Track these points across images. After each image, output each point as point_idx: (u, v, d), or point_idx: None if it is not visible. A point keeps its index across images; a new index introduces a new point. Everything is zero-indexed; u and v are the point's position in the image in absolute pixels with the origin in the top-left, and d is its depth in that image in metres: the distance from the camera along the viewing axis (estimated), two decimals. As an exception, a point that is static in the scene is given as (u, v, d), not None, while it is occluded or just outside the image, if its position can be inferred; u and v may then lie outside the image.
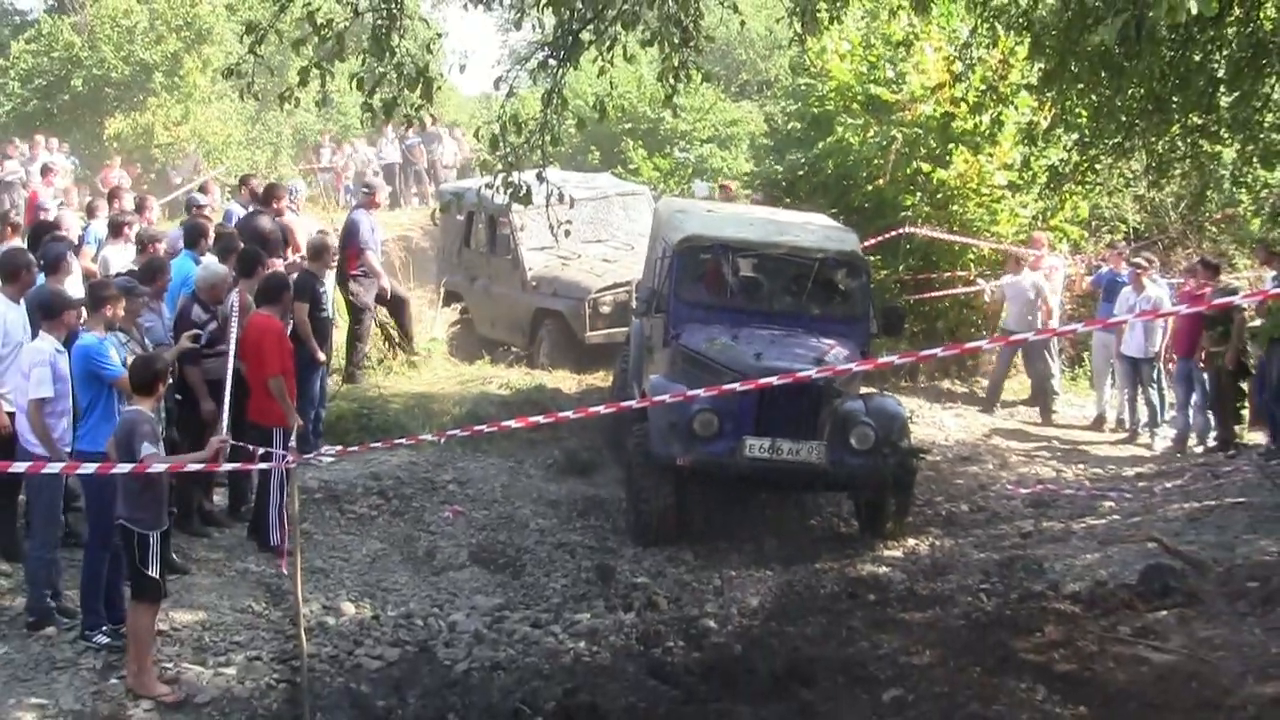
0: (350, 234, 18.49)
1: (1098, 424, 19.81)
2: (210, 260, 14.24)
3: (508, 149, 11.81)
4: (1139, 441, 18.84)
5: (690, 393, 12.13)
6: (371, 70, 11.11)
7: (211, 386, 12.78)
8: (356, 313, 18.76)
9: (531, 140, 11.96)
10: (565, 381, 19.73)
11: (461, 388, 19.03)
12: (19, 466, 10.15)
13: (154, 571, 10.07)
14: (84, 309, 11.29)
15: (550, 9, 11.78)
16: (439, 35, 15.02)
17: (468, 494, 15.49)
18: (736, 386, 11.44)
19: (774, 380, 11.41)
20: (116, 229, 16.42)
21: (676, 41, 12.25)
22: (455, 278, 23.71)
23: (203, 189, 20.80)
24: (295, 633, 10.68)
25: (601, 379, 19.97)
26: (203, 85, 35.92)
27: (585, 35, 11.84)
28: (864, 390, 15.25)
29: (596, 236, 21.78)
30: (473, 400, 18.20)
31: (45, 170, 26.13)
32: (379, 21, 10.71)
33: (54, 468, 10.18)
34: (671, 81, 12.76)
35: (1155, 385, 18.73)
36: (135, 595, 10.18)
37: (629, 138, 30.72)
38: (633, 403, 12.62)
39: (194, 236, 15.20)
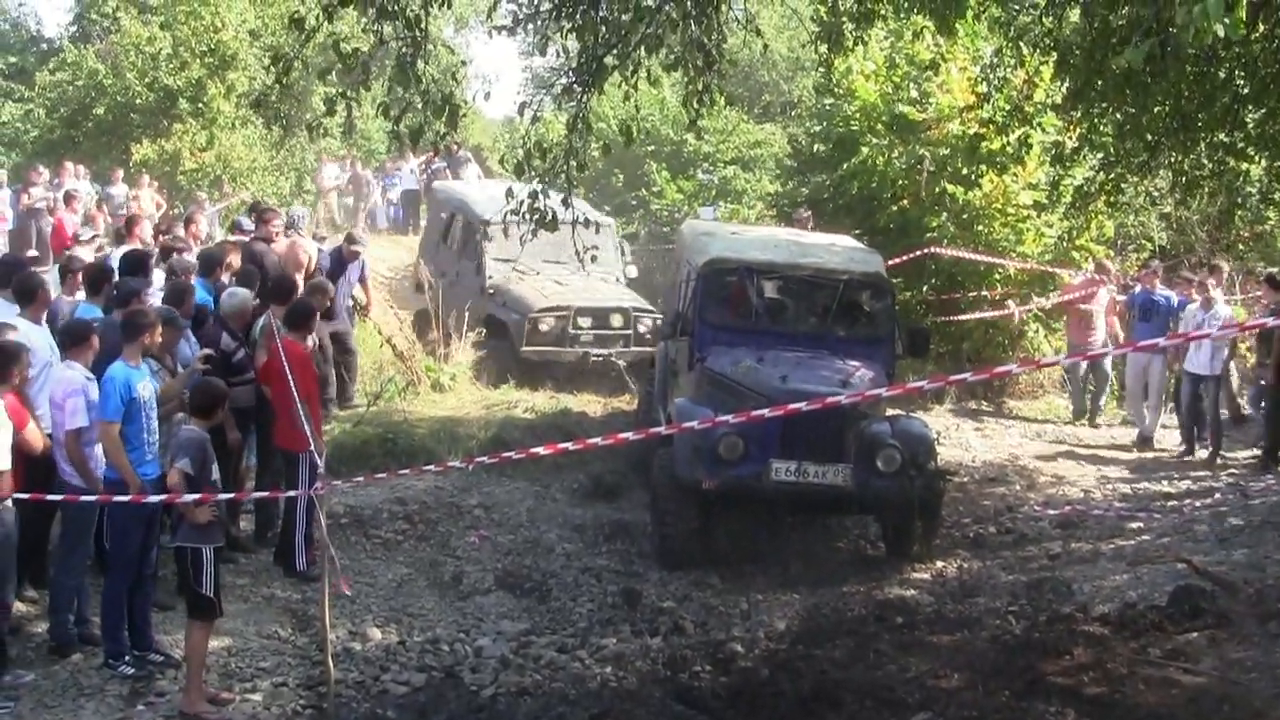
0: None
1: (1143, 444, 19.64)
2: (235, 288, 14.29)
3: (533, 174, 11.81)
4: (1196, 458, 18.71)
5: (718, 419, 12.09)
6: (397, 98, 11.12)
7: (239, 415, 12.79)
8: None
9: (556, 166, 11.95)
10: (590, 405, 19.73)
11: (487, 412, 19.02)
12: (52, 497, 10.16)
13: (207, 590, 10.12)
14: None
15: (574, 35, 11.79)
16: (464, 63, 15.08)
17: (493, 519, 15.48)
18: (765, 413, 11.38)
19: (802, 406, 11.36)
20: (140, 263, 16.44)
21: (700, 65, 12.24)
22: (428, 268, 24.46)
23: (189, 220, 20.70)
24: (321, 658, 10.63)
25: (626, 402, 19.96)
26: (227, 111, 35.96)
27: (609, 60, 11.84)
28: (890, 412, 15.22)
29: (557, 257, 22.24)
30: (498, 424, 18.18)
31: (69, 197, 26.19)
32: (404, 49, 10.70)
33: (88, 497, 10.22)
34: (696, 106, 12.76)
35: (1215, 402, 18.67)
36: (190, 614, 10.24)
37: (653, 160, 30.74)
38: (661, 429, 12.59)
39: (209, 265, 15.22)
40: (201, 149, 34.92)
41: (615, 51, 11.85)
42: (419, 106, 11.04)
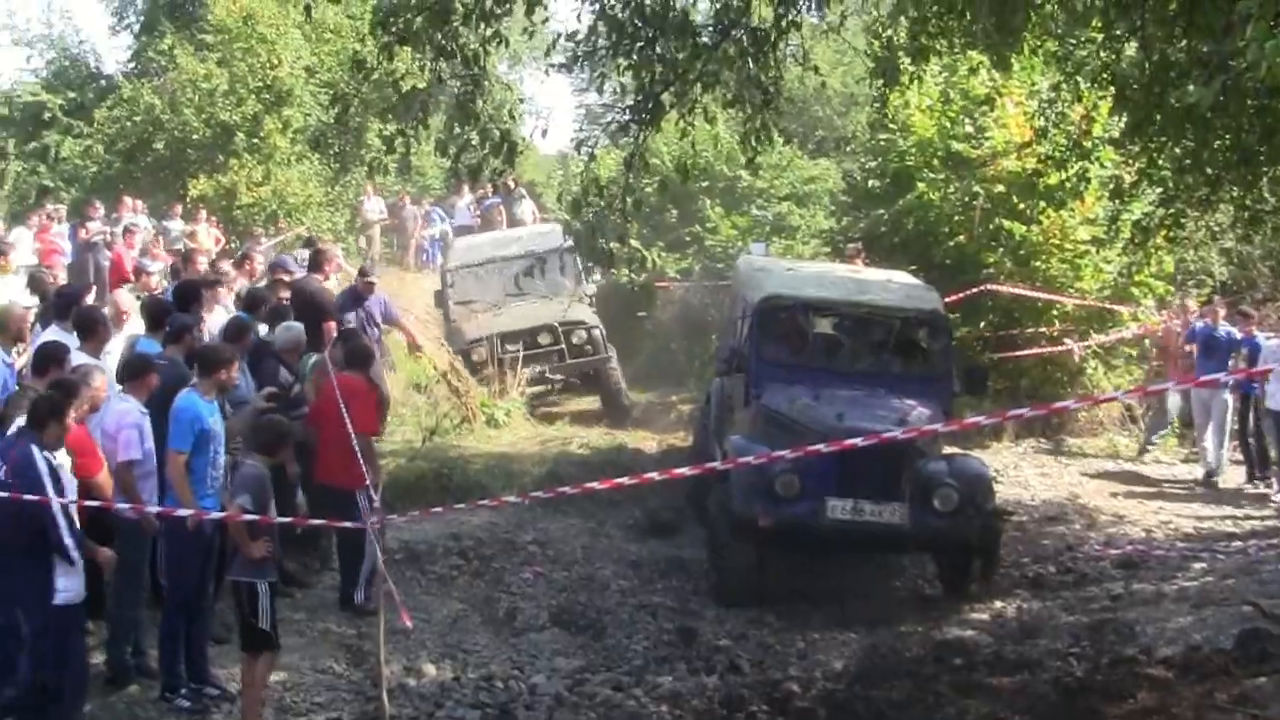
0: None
1: (1207, 482, 19.43)
2: (289, 322, 14.35)
3: (589, 213, 11.78)
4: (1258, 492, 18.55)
5: (774, 454, 12.02)
6: (455, 135, 11.13)
7: (296, 449, 12.79)
8: None
9: (613, 204, 11.93)
10: (645, 441, 19.69)
11: (542, 448, 19.06)
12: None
13: (264, 624, 10.13)
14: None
15: (631, 72, 11.77)
16: (521, 100, 15.16)
17: (548, 555, 15.43)
18: (821, 448, 11.30)
19: (858, 442, 11.25)
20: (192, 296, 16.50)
21: (758, 103, 12.18)
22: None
23: (245, 257, 20.73)
24: (376, 694, 10.59)
25: (681, 439, 19.91)
26: (283, 146, 36.17)
27: (666, 98, 11.81)
28: (947, 450, 15.10)
29: (521, 290, 23.93)
30: (553, 460, 18.20)
31: (128, 231, 26.32)
32: (462, 87, 10.72)
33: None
34: (754, 143, 12.72)
35: None
36: (246, 647, 10.29)
37: (706, 196, 30.67)
38: (717, 464, 12.54)
39: (252, 302, 15.24)
40: (258, 184, 35.11)
41: (672, 89, 11.81)
42: (476, 144, 11.04)
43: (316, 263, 18.06)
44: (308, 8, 24.63)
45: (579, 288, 24.57)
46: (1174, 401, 20.71)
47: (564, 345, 23.15)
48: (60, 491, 9.29)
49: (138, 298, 15.44)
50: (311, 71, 37.86)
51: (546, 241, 24.04)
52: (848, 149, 35.24)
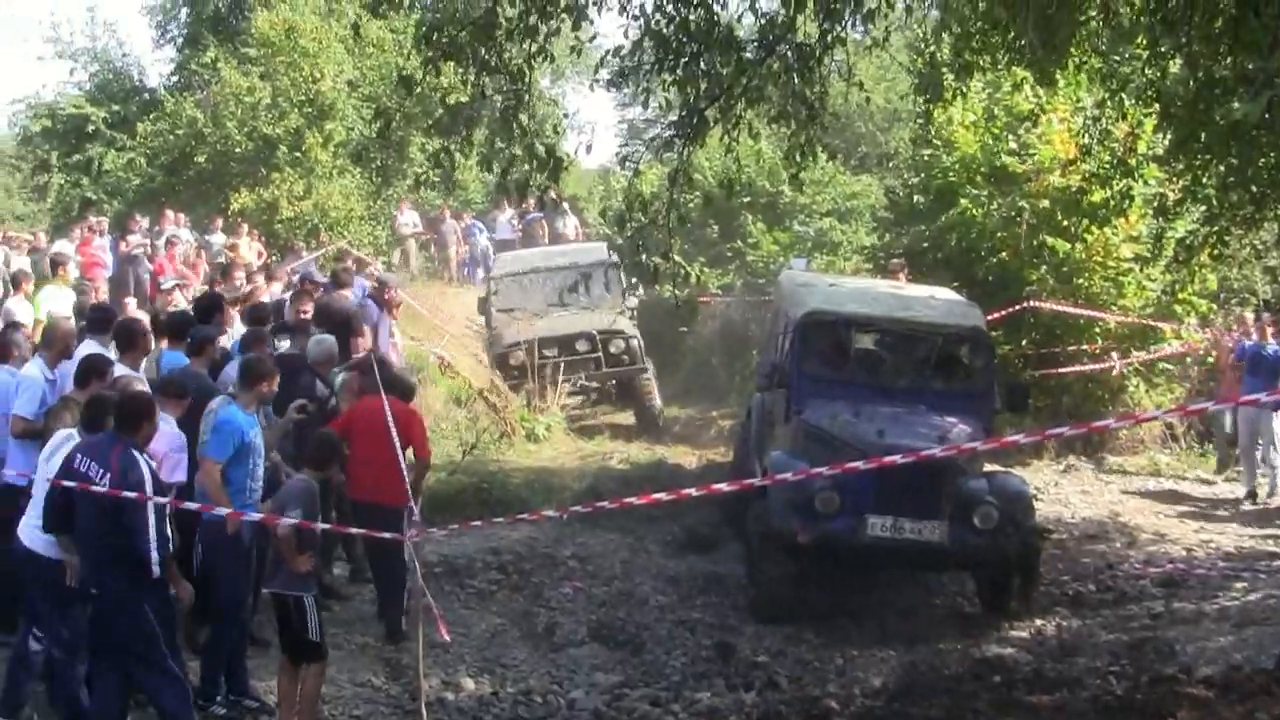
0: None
1: (1251, 500, 19.30)
2: (321, 335, 14.41)
3: (633, 228, 11.80)
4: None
5: (813, 470, 12.01)
6: (498, 150, 11.18)
7: None
8: None
9: (657, 219, 11.95)
10: (685, 456, 19.68)
11: (581, 463, 19.08)
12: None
13: (314, 636, 10.19)
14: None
15: (675, 88, 11.78)
16: (566, 116, 15.20)
17: (587, 570, 15.45)
18: (860, 465, 11.27)
19: (898, 459, 11.21)
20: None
21: (803, 119, 12.19)
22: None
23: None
24: (415, 708, 10.63)
25: (721, 454, 19.89)
26: (324, 160, 36.28)
27: (710, 113, 11.82)
28: (987, 468, 15.04)
29: (564, 301, 24.55)
30: (593, 475, 18.23)
31: (169, 244, 26.48)
32: (507, 102, 10.76)
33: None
34: (798, 159, 12.72)
35: None
36: (296, 659, 10.35)
37: (749, 211, 30.65)
38: (756, 481, 12.53)
39: (256, 317, 15.24)
40: (299, 198, 35.24)
41: (717, 104, 11.82)
42: (523, 159, 11.07)
43: (340, 280, 18.07)
44: (355, 25, 24.74)
45: (621, 301, 24.69)
46: (1227, 419, 20.59)
47: (601, 354, 23.37)
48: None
49: (154, 314, 15.60)
50: (354, 85, 38.02)
51: (591, 256, 24.20)
52: (890, 165, 35.22)
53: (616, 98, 50.53)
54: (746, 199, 30.78)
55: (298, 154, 35.73)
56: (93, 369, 11.02)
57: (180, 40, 43.47)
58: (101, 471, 9.33)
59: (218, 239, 31.20)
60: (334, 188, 35.72)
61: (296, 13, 37.38)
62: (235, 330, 15.31)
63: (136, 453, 9.38)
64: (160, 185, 37.49)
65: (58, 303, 17.63)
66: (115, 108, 41.16)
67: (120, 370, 11.37)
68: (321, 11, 37.73)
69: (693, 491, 11.70)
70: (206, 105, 37.32)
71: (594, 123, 70.36)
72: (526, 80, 11.09)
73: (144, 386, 10.90)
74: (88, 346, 12.42)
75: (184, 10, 43.15)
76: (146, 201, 35.83)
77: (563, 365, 22.92)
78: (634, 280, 23.80)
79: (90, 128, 40.41)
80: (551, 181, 11.12)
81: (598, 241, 29.22)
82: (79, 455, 9.53)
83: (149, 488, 9.26)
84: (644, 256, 11.88)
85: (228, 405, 11.00)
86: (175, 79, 42.63)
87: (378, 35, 37.50)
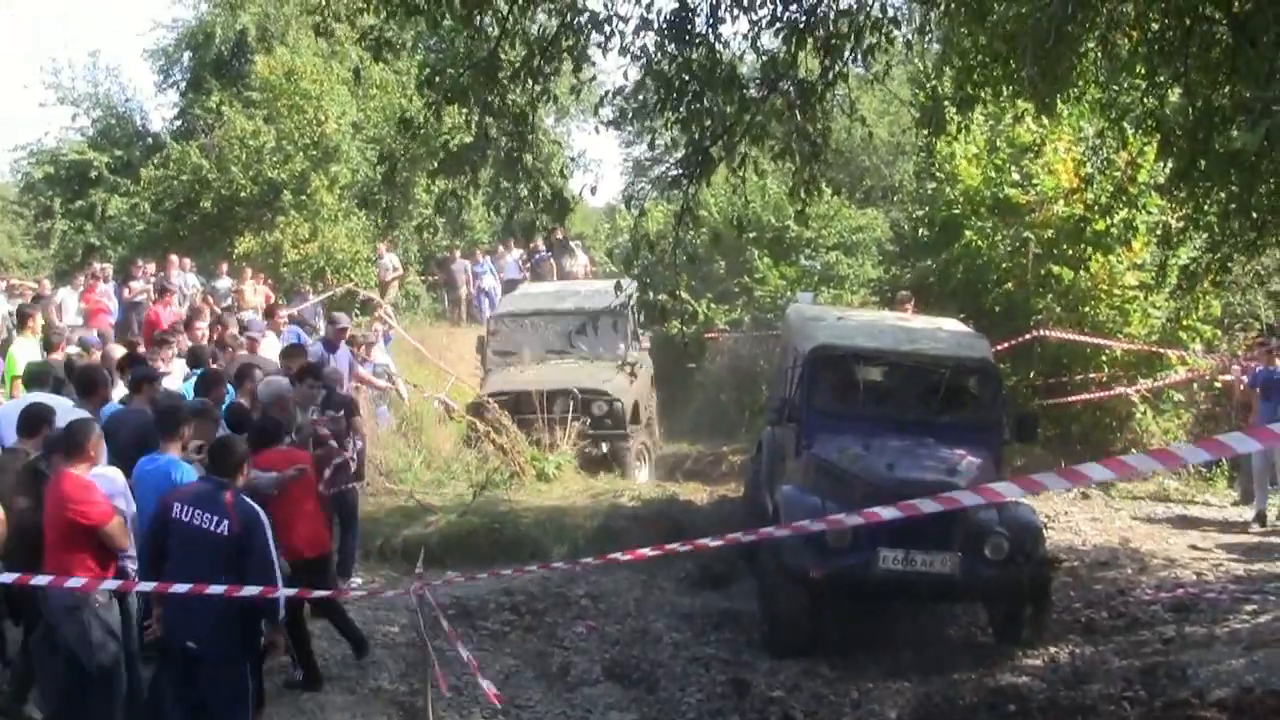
0: None
1: (1260, 523, 19.29)
2: (271, 377, 14.51)
3: (640, 267, 11.89)
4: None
5: (835, 517, 12.05)
6: (504, 191, 11.27)
7: None
8: None
9: (665, 258, 12.04)
10: (697, 493, 19.70)
11: (593, 501, 19.05)
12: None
13: None
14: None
15: (679, 126, 11.88)
16: (573, 159, 15.31)
17: (600, 608, 15.45)
18: (881, 513, 11.31)
19: (928, 504, 11.23)
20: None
21: (806, 155, 12.28)
22: None
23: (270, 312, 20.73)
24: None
25: (732, 489, 19.91)
26: (329, 203, 36.41)
27: (715, 151, 11.91)
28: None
29: (567, 347, 23.56)
30: (604, 514, 18.20)
31: (163, 291, 26.57)
32: (511, 144, 10.85)
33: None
34: (803, 195, 12.81)
35: None
36: None
37: (754, 246, 30.72)
38: (774, 531, 12.55)
39: (195, 359, 15.29)
40: (304, 241, 35.35)
41: (721, 143, 11.91)
42: (527, 201, 11.16)
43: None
44: (356, 70, 24.84)
45: (626, 352, 24.05)
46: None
47: (580, 414, 22.20)
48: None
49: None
50: (358, 127, 38.16)
51: (598, 300, 23.89)
52: (895, 198, 35.31)
53: (621, 136, 50.58)
54: (752, 234, 30.83)
55: (303, 197, 35.86)
56: (37, 418, 11.05)
57: (183, 84, 43.67)
58: (216, 519, 9.45)
59: (224, 284, 31.33)
60: (339, 230, 35.83)
61: (298, 55, 37.58)
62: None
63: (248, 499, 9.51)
64: (164, 230, 37.73)
65: (27, 356, 17.45)
66: (118, 153, 41.45)
67: (79, 413, 11.45)
68: (324, 54, 37.84)
69: (710, 542, 11.76)
70: (211, 149, 37.49)
71: (599, 161, 70.22)
72: (530, 122, 11.19)
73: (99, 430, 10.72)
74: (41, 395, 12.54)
75: (186, 54, 43.34)
76: (150, 247, 36.03)
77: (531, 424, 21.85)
78: (641, 324, 23.44)
79: (93, 173, 40.70)
80: (557, 222, 11.20)
81: (606, 281, 29.13)
82: (179, 506, 9.56)
83: (270, 538, 9.48)
84: (651, 295, 11.95)
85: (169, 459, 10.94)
86: (178, 123, 42.88)
87: (380, 77, 37.70)
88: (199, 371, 15.14)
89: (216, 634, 9.39)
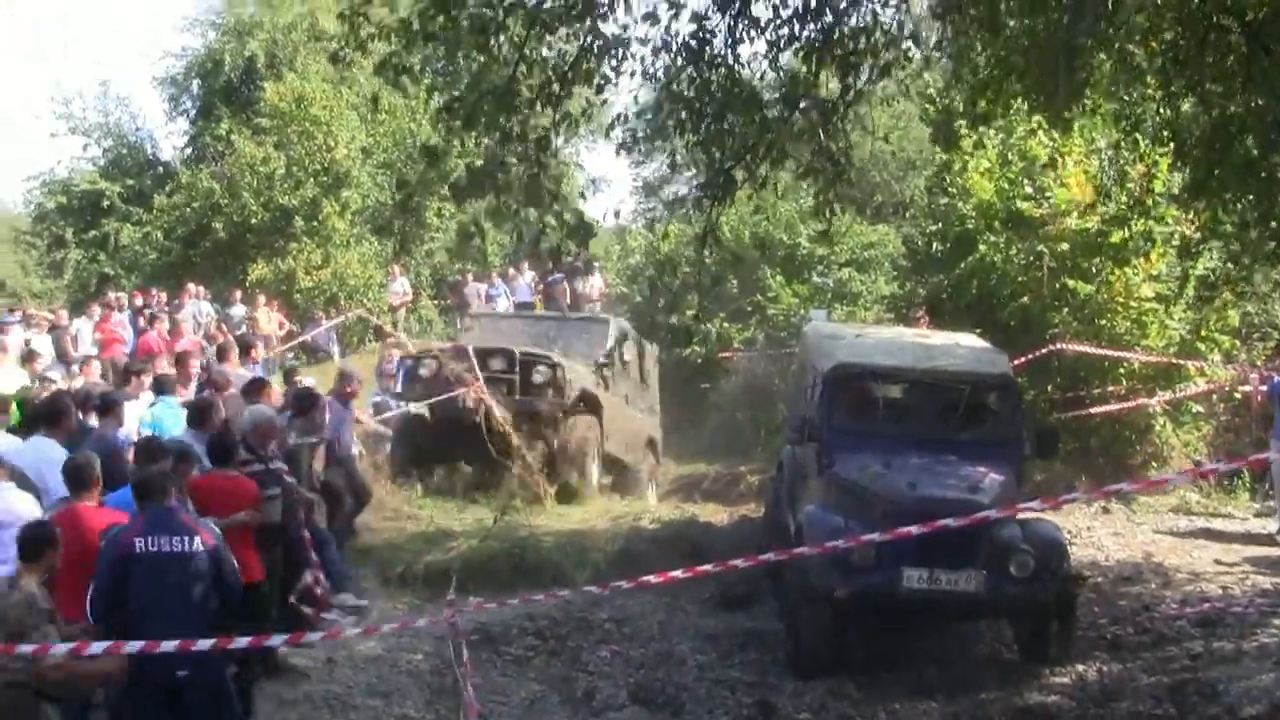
0: None
1: None
2: (257, 405, 14.43)
3: (665, 290, 11.93)
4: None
5: (862, 537, 12.03)
6: (520, 217, 11.25)
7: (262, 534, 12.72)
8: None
9: (689, 280, 12.06)
10: (716, 514, 19.65)
11: (613, 524, 19.01)
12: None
13: None
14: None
15: (700, 148, 11.88)
16: (593, 182, 15.30)
17: (624, 632, 15.37)
18: (913, 530, 11.30)
19: (951, 523, 11.20)
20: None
21: (830, 175, 12.26)
22: None
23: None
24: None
25: (752, 509, 19.86)
26: (341, 229, 36.46)
27: (738, 173, 11.90)
28: (1021, 514, 15.01)
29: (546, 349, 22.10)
30: (624, 537, 18.16)
31: (153, 320, 26.57)
32: (530, 170, 10.84)
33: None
34: (827, 215, 12.81)
35: None
36: None
37: (767, 265, 30.69)
38: (805, 550, 12.50)
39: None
40: (317, 267, 35.38)
41: (743, 164, 11.90)
42: (552, 227, 11.15)
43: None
44: (374, 97, 24.86)
45: (609, 359, 22.49)
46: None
47: (516, 377, 20.94)
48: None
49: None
50: (368, 152, 38.22)
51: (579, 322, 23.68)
52: (907, 214, 35.27)
53: (633, 156, 50.46)
54: (764, 252, 30.86)
55: (314, 223, 35.90)
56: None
57: (193, 112, 43.81)
58: (187, 539, 9.51)
59: (238, 311, 31.34)
60: (352, 255, 35.85)
61: (307, 81, 37.67)
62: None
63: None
64: (178, 259, 37.81)
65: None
66: (130, 182, 41.62)
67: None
68: (333, 79, 37.95)
69: (739, 563, 11.68)
70: (222, 176, 37.57)
71: (609, 181, 70.04)
72: (552, 148, 11.19)
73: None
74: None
75: (196, 82, 43.44)
76: (164, 275, 36.15)
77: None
78: (653, 342, 23.21)
79: (105, 203, 40.79)
80: (582, 246, 11.20)
81: (618, 300, 29.10)
82: (141, 540, 9.49)
83: None
84: (675, 319, 11.96)
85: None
86: (189, 151, 43.01)
87: (389, 101, 37.73)
88: (163, 398, 15.45)
89: (206, 661, 9.34)
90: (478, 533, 18.05)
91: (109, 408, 13.73)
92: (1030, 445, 15.56)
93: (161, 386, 15.89)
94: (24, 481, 11.03)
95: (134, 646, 8.80)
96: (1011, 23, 12.99)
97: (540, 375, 20.98)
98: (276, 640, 10.38)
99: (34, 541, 8.93)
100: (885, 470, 14.26)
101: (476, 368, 20.86)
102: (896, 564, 13.43)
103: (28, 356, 20.03)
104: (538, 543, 17.67)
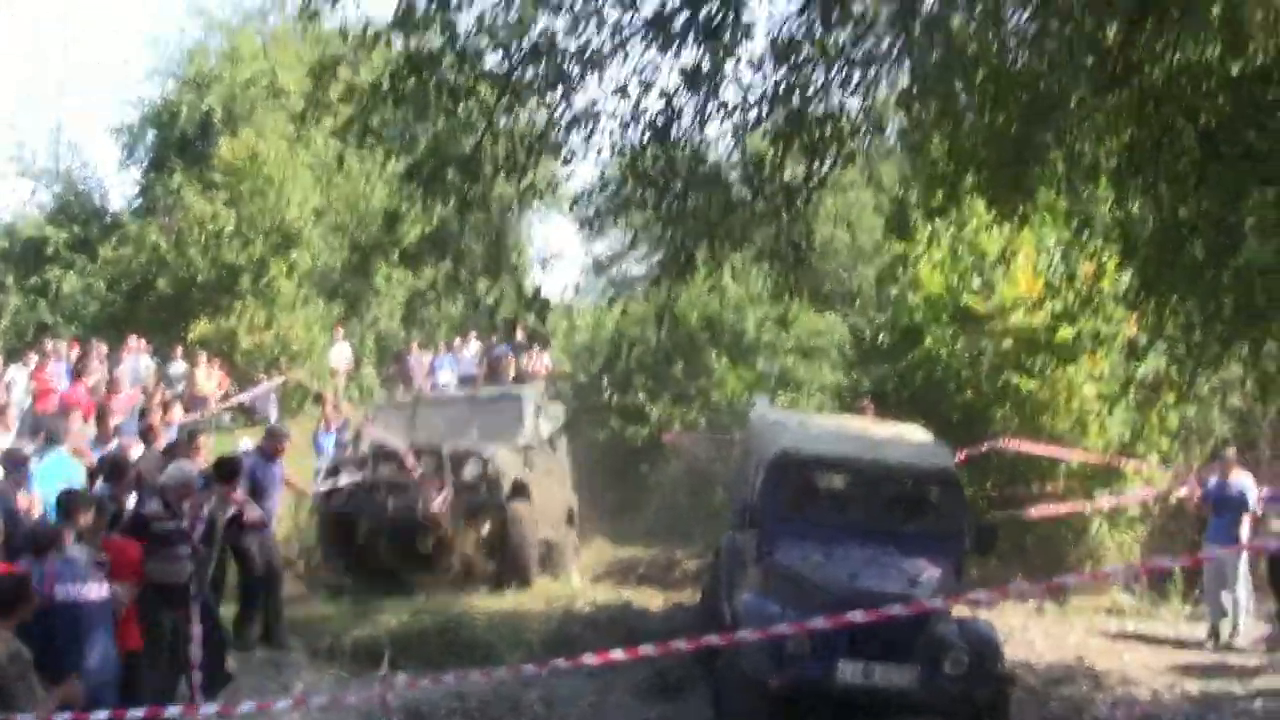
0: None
1: (1214, 639, 19.15)
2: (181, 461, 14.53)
3: (614, 370, 11.93)
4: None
5: (801, 624, 11.94)
6: (485, 287, 11.32)
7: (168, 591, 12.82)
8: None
9: (642, 359, 12.07)
10: (652, 599, 19.52)
11: (546, 606, 18.85)
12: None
13: None
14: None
15: (661, 226, 11.86)
16: (555, 256, 15.34)
17: (556, 715, 15.16)
18: (858, 615, 11.22)
19: (898, 610, 11.12)
20: None
21: (790, 260, 12.28)
22: None
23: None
24: None
25: (688, 596, 19.73)
26: (287, 290, 36.25)
27: (699, 253, 11.90)
28: (956, 612, 14.95)
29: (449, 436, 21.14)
30: (558, 619, 18.00)
31: (77, 375, 26.42)
32: (489, 239, 10.86)
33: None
34: (787, 299, 12.83)
35: None
36: None
37: (712, 346, 30.61)
38: (743, 634, 12.40)
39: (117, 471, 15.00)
40: (261, 328, 35.14)
41: (704, 243, 11.90)
42: (509, 295, 11.16)
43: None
44: (340, 158, 24.78)
45: (535, 431, 22.24)
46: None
47: (448, 477, 20.01)
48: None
49: None
50: (320, 213, 38.02)
51: (496, 393, 23.23)
52: (855, 303, 35.34)
53: (583, 232, 50.31)
54: (708, 334, 30.83)
55: (261, 283, 35.69)
56: None
57: (145, 163, 43.47)
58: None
59: (178, 367, 31.09)
60: (297, 318, 35.61)
61: (264, 139, 37.51)
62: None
63: None
64: (119, 311, 37.43)
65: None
66: (76, 229, 41.10)
67: None
68: (290, 137, 37.79)
69: (680, 644, 11.55)
70: (170, 230, 37.30)
71: (559, 255, 70.11)
72: (514, 216, 11.24)
73: None
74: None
75: (150, 133, 43.15)
76: (104, 327, 35.74)
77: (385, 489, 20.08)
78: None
79: (49, 249, 40.24)
80: (540, 320, 11.17)
81: (563, 379, 28.96)
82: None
83: None
84: (621, 398, 11.95)
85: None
86: (139, 202, 42.69)
87: (346, 164, 37.65)
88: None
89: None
90: (407, 608, 17.86)
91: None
92: (970, 541, 15.51)
93: (51, 437, 16.06)
94: None
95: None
96: (970, 116, 13.01)
97: (470, 473, 20.31)
98: (209, 709, 10.24)
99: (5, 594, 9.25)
100: (825, 560, 14.16)
101: (449, 470, 20.14)
102: (832, 656, 13.29)
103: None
104: (470, 620, 17.51)
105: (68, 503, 11.68)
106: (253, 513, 16.20)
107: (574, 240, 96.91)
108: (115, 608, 11.28)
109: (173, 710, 9.43)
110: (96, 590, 10.44)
